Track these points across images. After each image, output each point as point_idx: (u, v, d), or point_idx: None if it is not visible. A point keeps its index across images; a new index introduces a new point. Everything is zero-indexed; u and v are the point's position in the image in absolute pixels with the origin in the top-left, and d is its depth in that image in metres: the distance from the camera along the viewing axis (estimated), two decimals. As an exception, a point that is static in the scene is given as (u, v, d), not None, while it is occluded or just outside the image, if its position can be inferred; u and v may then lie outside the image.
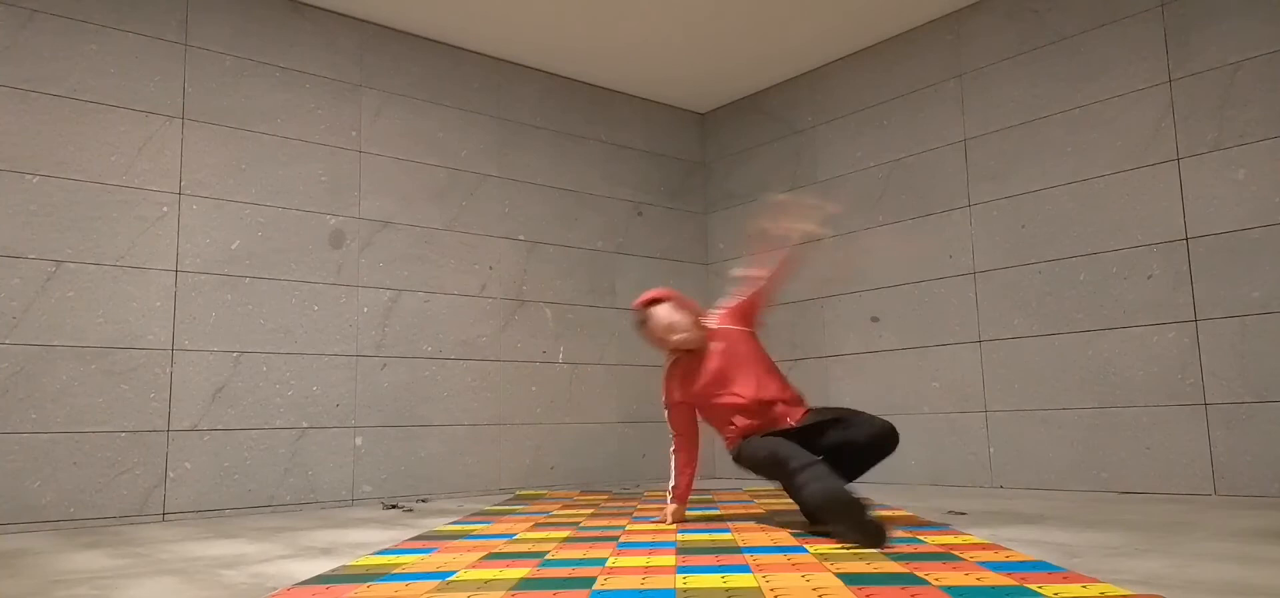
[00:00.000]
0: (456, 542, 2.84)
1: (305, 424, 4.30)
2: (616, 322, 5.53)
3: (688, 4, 4.69)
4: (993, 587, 1.87)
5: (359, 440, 4.47)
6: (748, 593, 1.88)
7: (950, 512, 3.39)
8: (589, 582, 2.05)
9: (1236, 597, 1.78)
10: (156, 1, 4.10)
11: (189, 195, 4.10)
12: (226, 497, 4.05)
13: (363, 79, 4.70)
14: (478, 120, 5.13)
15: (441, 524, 3.40)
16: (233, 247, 4.19)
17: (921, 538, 2.63)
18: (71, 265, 3.78)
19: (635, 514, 3.52)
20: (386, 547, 2.80)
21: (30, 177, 3.72)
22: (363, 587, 2.07)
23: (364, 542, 2.97)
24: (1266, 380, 3.61)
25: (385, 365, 4.59)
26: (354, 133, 4.64)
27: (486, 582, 2.09)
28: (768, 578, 2.04)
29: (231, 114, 4.26)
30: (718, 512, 3.56)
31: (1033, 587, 1.86)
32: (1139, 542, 2.54)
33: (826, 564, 2.21)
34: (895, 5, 4.73)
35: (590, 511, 3.71)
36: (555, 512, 3.70)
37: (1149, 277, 3.97)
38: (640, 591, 1.93)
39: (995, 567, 2.11)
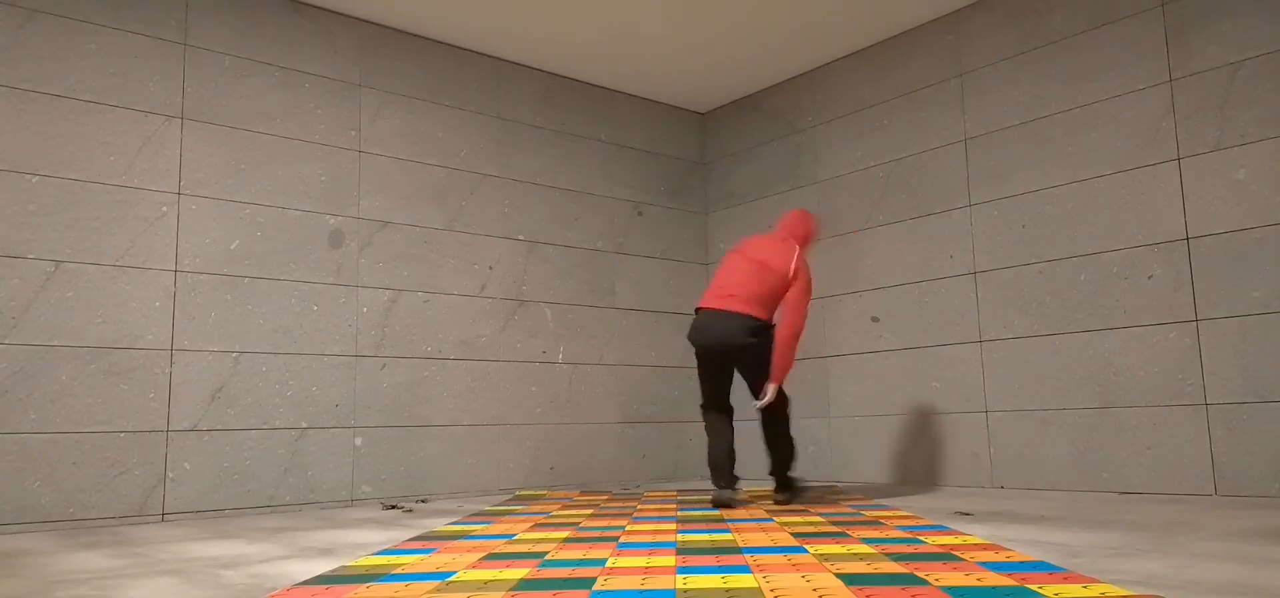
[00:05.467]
0: (456, 542, 2.83)
1: (305, 424, 4.30)
2: (617, 322, 5.52)
3: (688, 4, 4.68)
4: (993, 587, 1.87)
5: (358, 441, 4.46)
6: (748, 594, 1.87)
7: (956, 512, 3.39)
8: (589, 583, 2.05)
9: (1239, 596, 1.78)
10: (156, 1, 4.10)
11: (188, 195, 4.09)
12: (226, 497, 4.04)
13: (362, 79, 4.70)
14: (477, 120, 5.12)
15: (441, 525, 3.39)
16: (232, 246, 4.19)
17: (922, 538, 2.63)
18: (71, 265, 3.77)
19: (635, 515, 3.52)
20: (386, 547, 2.80)
21: (30, 176, 3.72)
22: (362, 587, 2.06)
23: (364, 542, 2.97)
24: (1267, 380, 3.61)
25: (385, 365, 4.59)
26: (353, 133, 4.63)
27: (486, 582, 2.09)
28: (768, 578, 2.04)
29: (231, 114, 4.25)
30: (717, 513, 3.55)
31: (1033, 587, 1.85)
32: (1140, 542, 2.54)
33: (826, 565, 2.20)
34: (895, 5, 4.73)
35: (590, 511, 3.71)
36: (555, 512, 3.70)
37: (1150, 277, 3.96)
38: (640, 591, 1.93)
39: (995, 567, 2.11)
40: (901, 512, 3.38)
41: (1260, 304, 3.64)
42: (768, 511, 3.57)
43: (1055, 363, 4.24)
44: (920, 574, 2.03)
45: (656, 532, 2.95)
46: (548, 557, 2.46)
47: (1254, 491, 3.60)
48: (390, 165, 4.74)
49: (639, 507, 3.86)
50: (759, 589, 1.91)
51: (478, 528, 3.21)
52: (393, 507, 4.23)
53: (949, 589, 1.86)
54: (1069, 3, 4.32)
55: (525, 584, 2.05)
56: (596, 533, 2.95)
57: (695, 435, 5.84)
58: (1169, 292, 3.90)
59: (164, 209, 4.02)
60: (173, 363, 3.97)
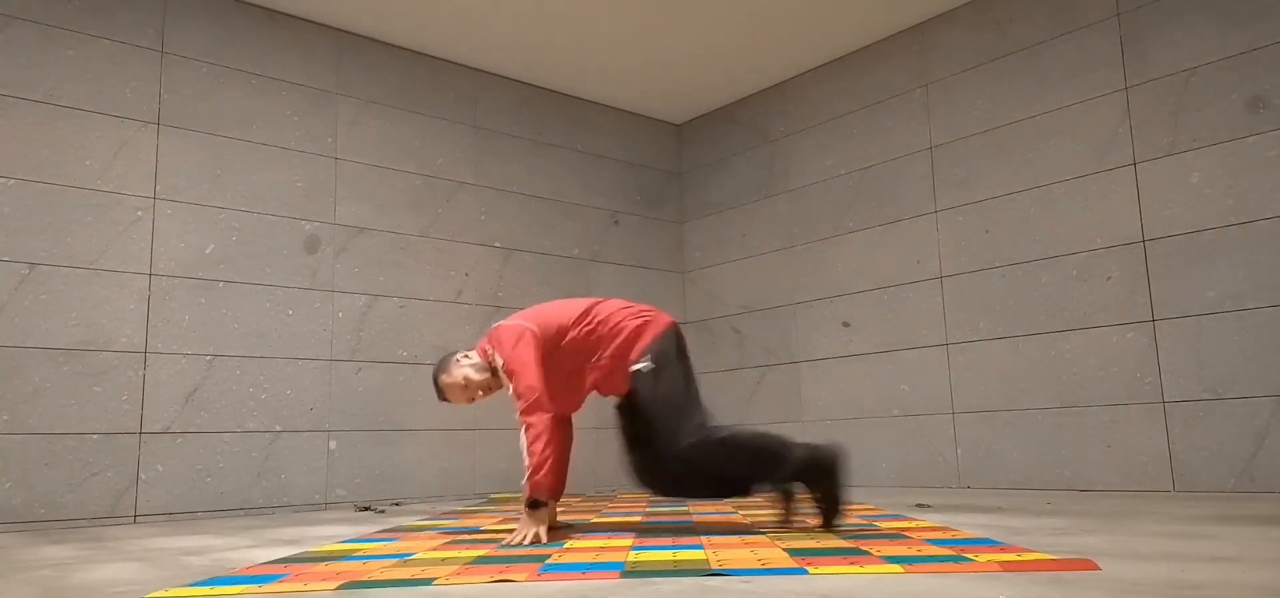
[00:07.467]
0: (422, 533, 2.87)
1: (279, 428, 4.33)
2: (592, 329, 5.57)
3: (664, 18, 4.78)
4: (931, 557, 1.93)
5: (333, 444, 4.49)
6: (694, 563, 1.92)
7: (917, 505, 3.45)
8: (543, 558, 2.10)
9: (1165, 562, 1.84)
10: (133, 8, 4.16)
11: (164, 200, 4.14)
12: (199, 499, 4.06)
13: (339, 87, 4.76)
14: (454, 129, 5.19)
15: (410, 522, 3.43)
16: (207, 251, 4.23)
17: (876, 524, 2.69)
18: (45, 268, 3.80)
19: (605, 510, 3.56)
20: (352, 538, 2.83)
21: (5, 180, 3.76)
22: (322, 565, 2.11)
23: (331, 536, 3.00)
24: (1222, 378, 3.69)
25: (360, 369, 4.62)
26: (330, 140, 4.69)
27: (444, 558, 2.13)
28: (717, 552, 2.09)
29: (207, 120, 4.31)
30: (685, 508, 3.60)
31: (969, 556, 1.91)
32: (1086, 525, 2.61)
33: (777, 543, 2.26)
34: (863, 17, 4.84)
35: (561, 509, 3.74)
36: (525, 510, 3.72)
37: (1108, 279, 4.06)
38: (591, 563, 1.98)
39: (939, 542, 2.17)
40: (864, 505, 3.44)
41: (1214, 304, 3.74)
42: (733, 505, 3.62)
43: (1018, 364, 4.32)
44: (864, 548, 2.09)
45: (621, 523, 3.00)
46: (507, 540, 2.50)
47: (1211, 486, 3.68)
48: (366, 172, 4.80)
49: (610, 505, 3.90)
50: (706, 559, 1.96)
51: (446, 523, 3.25)
52: (366, 509, 4.26)
53: (888, 557, 1.91)
54: (1029, 14, 4.44)
55: (481, 560, 2.10)
56: (562, 525, 3.00)
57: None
58: (1127, 293, 3.99)
59: (139, 213, 4.06)
60: (146, 366, 4.00)
